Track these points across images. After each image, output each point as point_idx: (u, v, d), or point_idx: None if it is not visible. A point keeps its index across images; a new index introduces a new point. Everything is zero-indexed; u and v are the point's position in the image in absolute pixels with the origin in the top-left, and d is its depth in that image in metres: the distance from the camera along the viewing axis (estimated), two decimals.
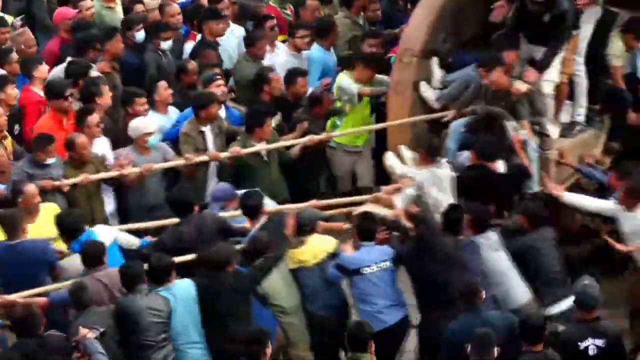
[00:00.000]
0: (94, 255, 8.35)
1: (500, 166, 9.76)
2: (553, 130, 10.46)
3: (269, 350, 7.55)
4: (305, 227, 8.86)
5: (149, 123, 10.19)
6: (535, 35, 10.42)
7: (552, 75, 10.44)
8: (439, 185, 9.60)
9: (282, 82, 11.23)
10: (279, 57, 11.94)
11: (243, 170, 10.29)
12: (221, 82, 10.93)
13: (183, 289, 8.34)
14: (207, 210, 9.47)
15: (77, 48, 11.51)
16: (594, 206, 9.55)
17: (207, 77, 10.97)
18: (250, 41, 11.83)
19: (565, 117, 10.81)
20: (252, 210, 9.14)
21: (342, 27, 12.17)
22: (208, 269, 8.45)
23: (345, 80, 11.17)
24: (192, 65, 11.27)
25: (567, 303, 8.64)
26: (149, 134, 10.05)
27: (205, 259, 8.50)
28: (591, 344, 7.90)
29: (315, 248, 8.79)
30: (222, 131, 10.57)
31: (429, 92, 10.83)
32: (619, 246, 9.18)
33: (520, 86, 10.17)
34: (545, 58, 10.35)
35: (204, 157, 10.15)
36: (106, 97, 10.41)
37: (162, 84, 10.76)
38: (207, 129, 10.37)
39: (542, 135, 10.33)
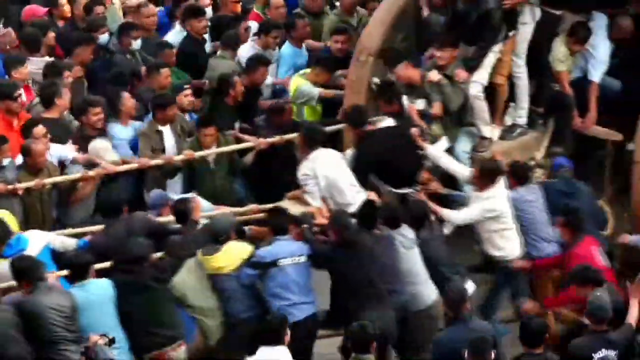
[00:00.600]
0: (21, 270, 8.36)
1: None
2: (488, 132, 10.45)
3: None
4: (220, 236, 8.93)
5: (107, 146, 10.16)
6: (467, 36, 10.43)
7: (481, 77, 10.37)
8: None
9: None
10: (243, 51, 12.10)
11: (189, 175, 10.43)
12: (189, 92, 11.05)
13: (99, 286, 8.42)
14: (138, 211, 9.54)
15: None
16: (449, 167, 9.79)
17: (177, 86, 11.15)
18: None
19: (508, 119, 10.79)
20: (180, 215, 9.31)
21: (332, 26, 12.30)
22: (125, 265, 8.55)
23: (304, 82, 11.33)
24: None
25: None
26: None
27: (121, 255, 8.62)
28: (605, 355, 7.94)
29: (231, 255, 8.84)
30: (185, 132, 10.65)
31: None
32: (434, 207, 9.48)
33: (432, 75, 10.25)
34: (473, 58, 10.37)
35: (158, 160, 10.20)
36: (65, 99, 10.48)
37: (126, 94, 10.74)
38: (165, 129, 10.47)
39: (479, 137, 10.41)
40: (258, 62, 11.44)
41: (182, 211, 9.29)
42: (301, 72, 11.67)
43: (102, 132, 10.39)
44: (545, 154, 10.67)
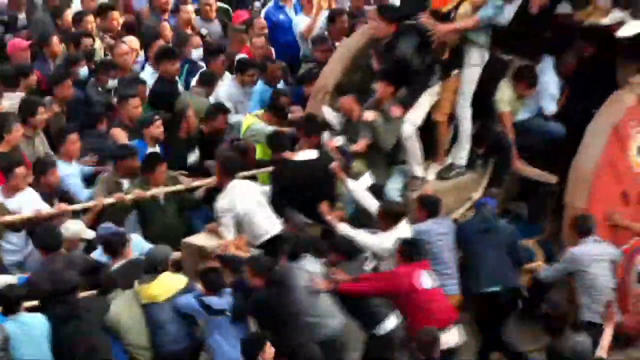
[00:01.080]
0: None
1: None
2: (420, 171, 10.47)
3: None
4: (157, 266, 9.00)
5: (82, 228, 9.91)
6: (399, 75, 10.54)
7: (414, 117, 10.39)
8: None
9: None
10: (223, 87, 12.41)
11: (140, 212, 10.36)
12: (159, 123, 11.04)
13: (32, 320, 8.54)
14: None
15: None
16: (364, 202, 9.80)
17: (146, 119, 11.14)
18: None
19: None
20: (111, 249, 9.33)
21: None
22: (57, 297, 8.63)
23: (256, 121, 11.38)
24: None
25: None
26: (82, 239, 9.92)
27: (55, 287, 8.67)
28: None
29: (166, 285, 8.90)
30: None
31: (331, 117, 11.00)
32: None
33: (367, 114, 10.27)
34: (406, 98, 10.42)
35: (110, 200, 10.10)
36: (15, 134, 10.48)
37: (72, 137, 10.75)
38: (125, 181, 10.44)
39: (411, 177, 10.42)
40: (218, 110, 11.56)
41: (113, 245, 9.33)
42: (255, 112, 11.77)
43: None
44: (482, 194, 10.63)
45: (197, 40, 13.48)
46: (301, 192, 9.95)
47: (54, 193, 10.24)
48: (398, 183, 10.42)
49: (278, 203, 9.94)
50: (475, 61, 10.55)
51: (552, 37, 10.83)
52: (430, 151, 10.71)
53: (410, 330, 9.09)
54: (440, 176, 10.64)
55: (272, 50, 13.54)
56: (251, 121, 11.49)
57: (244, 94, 12.40)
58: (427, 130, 10.61)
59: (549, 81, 10.78)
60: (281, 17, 14.06)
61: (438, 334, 8.53)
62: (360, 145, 10.32)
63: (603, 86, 10.56)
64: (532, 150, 10.82)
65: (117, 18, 13.71)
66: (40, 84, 12.10)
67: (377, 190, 10.21)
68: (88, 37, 12.98)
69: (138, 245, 9.80)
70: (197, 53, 13.27)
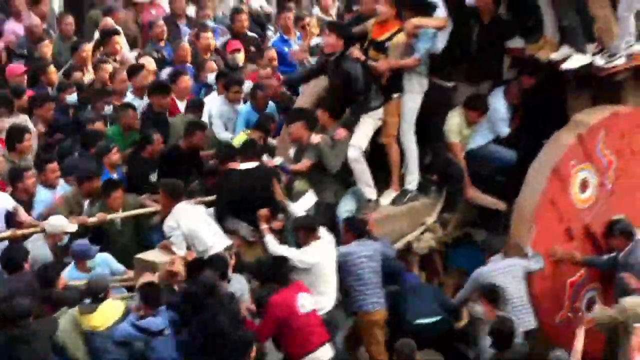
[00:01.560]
0: None
1: None
2: (371, 194, 10.89)
3: None
4: (98, 294, 9.33)
5: (65, 222, 10.45)
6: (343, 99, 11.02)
7: (358, 141, 10.83)
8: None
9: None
10: (214, 103, 12.96)
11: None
12: (116, 150, 11.60)
13: None
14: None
15: None
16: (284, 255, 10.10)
17: (104, 147, 11.62)
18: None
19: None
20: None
21: None
22: (9, 322, 8.95)
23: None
24: None
25: None
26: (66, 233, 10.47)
27: (8, 313, 8.97)
28: None
29: (106, 314, 9.25)
30: None
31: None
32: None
33: (313, 138, 10.75)
34: (350, 120, 10.91)
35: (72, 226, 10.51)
36: (26, 144, 11.31)
37: (52, 166, 11.23)
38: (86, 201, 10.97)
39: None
40: (195, 127, 12.06)
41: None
42: (246, 130, 12.35)
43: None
44: (436, 219, 11.10)
45: (212, 65, 14.08)
46: (243, 201, 10.41)
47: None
48: (351, 205, 10.82)
49: (222, 213, 10.41)
50: (415, 88, 10.96)
51: (499, 65, 11.28)
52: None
53: (288, 355, 9.60)
54: (395, 202, 11.04)
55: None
56: (244, 138, 11.90)
57: (234, 112, 12.93)
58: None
59: (499, 106, 11.17)
60: (285, 49, 14.82)
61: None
62: (300, 165, 10.83)
63: (554, 117, 10.96)
64: (485, 177, 11.23)
65: (120, 42, 14.31)
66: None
67: (328, 211, 10.72)
68: (78, 71, 13.66)
69: (105, 262, 10.32)
70: (212, 77, 13.79)
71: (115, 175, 11.44)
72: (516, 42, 11.15)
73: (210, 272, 9.44)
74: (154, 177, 11.57)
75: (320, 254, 9.93)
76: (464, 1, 11.18)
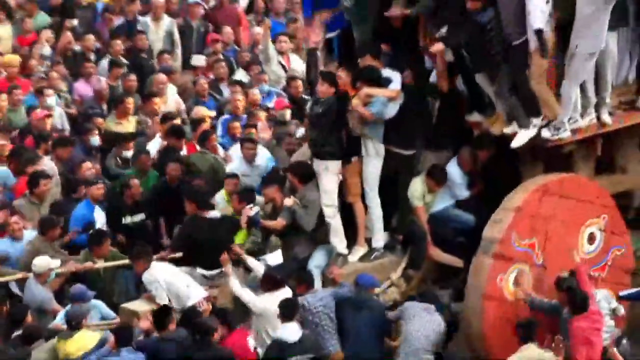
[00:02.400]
0: None
1: None
2: (342, 249, 11.92)
3: None
4: (72, 322, 10.56)
5: (48, 260, 11.72)
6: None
7: (329, 200, 11.81)
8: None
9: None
10: (233, 164, 14.19)
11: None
12: (101, 185, 13.17)
13: None
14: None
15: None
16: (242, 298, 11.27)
17: (90, 181, 13.23)
18: None
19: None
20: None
21: None
22: None
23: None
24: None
25: None
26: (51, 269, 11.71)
27: None
28: None
29: (81, 342, 10.40)
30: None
31: None
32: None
33: (287, 201, 11.86)
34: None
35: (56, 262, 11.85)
36: (42, 188, 12.81)
37: (14, 219, 12.51)
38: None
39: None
40: (168, 156, 13.70)
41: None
42: None
43: None
44: (400, 275, 12.10)
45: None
46: (202, 246, 11.69)
47: None
48: (321, 260, 11.84)
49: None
50: (371, 153, 11.92)
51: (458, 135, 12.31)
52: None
53: None
54: (363, 259, 12.04)
55: None
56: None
57: (251, 169, 14.08)
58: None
59: (454, 173, 12.19)
60: None
61: None
62: (274, 223, 11.94)
63: (511, 185, 11.85)
64: (446, 238, 12.23)
65: (159, 103, 15.64)
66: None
67: (301, 266, 11.80)
68: (98, 117, 15.28)
69: (97, 308, 11.48)
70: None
71: (97, 207, 12.91)
72: (475, 116, 12.16)
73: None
74: (129, 219, 13.03)
75: (273, 303, 10.96)
76: (427, 75, 12.34)
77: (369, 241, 12.23)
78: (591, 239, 11.92)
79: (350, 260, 12.07)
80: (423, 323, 11.12)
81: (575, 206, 11.79)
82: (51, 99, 15.31)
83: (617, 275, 12.07)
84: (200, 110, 15.61)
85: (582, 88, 11.80)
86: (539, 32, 11.29)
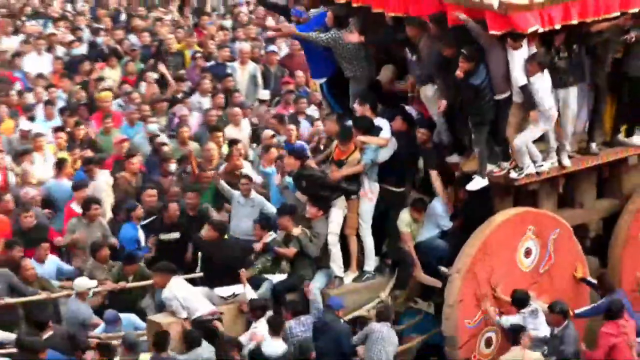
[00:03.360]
0: None
1: None
2: (340, 272, 13.68)
3: None
4: (131, 347, 12.29)
5: (87, 282, 13.71)
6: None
7: (334, 228, 13.61)
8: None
9: None
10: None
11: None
12: (140, 208, 15.34)
13: None
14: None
15: None
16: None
17: (131, 205, 15.60)
18: None
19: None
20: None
21: None
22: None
23: None
24: None
25: None
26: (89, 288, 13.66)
27: None
28: None
29: None
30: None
31: None
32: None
33: (295, 230, 13.59)
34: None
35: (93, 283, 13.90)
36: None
37: (27, 261, 14.10)
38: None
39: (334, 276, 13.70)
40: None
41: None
42: None
43: None
44: (388, 294, 13.88)
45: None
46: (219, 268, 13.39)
47: None
48: (321, 282, 13.58)
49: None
50: (367, 190, 13.64)
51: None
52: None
53: None
54: (356, 280, 13.82)
55: None
56: None
57: (252, 204, 15.41)
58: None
59: (437, 206, 13.83)
60: None
61: None
62: (286, 251, 13.62)
63: (486, 218, 13.61)
64: (429, 263, 13.89)
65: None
66: None
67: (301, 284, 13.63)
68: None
69: (129, 321, 13.32)
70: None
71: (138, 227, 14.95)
72: (454, 158, 13.85)
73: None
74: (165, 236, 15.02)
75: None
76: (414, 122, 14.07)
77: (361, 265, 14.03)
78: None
79: (345, 282, 13.83)
80: (385, 346, 12.86)
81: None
82: (153, 126, 18.00)
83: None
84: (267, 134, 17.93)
85: (545, 136, 13.45)
86: (523, 87, 12.95)
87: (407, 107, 14.25)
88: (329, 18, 14.02)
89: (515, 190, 13.73)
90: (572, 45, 13.35)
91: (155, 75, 20.25)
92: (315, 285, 13.61)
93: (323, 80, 14.81)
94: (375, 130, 13.64)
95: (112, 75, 20.63)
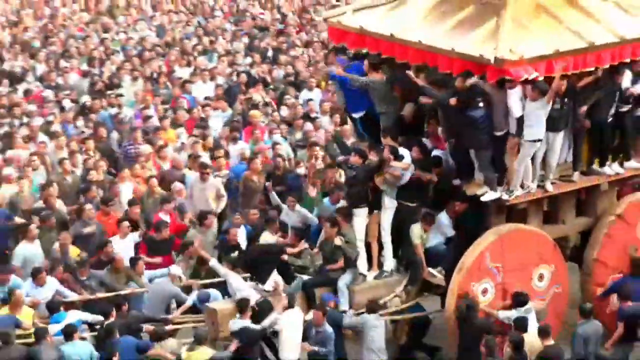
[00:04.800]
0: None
1: None
2: (365, 270, 16.75)
3: None
4: (198, 339, 14.96)
5: (179, 270, 16.96)
6: None
7: (359, 235, 16.78)
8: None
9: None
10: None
11: None
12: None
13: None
14: None
15: None
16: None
17: (186, 242, 18.27)
18: None
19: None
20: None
21: None
22: None
23: None
24: None
25: None
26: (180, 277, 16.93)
27: None
28: None
29: (204, 355, 14.68)
30: None
31: None
32: None
33: (336, 240, 16.60)
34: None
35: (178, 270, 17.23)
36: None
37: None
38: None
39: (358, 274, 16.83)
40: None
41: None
42: None
43: None
44: (402, 289, 16.96)
45: None
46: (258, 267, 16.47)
47: None
48: (348, 279, 16.67)
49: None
50: (388, 205, 16.60)
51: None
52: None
53: None
54: (377, 277, 16.94)
55: None
56: None
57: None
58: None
59: (443, 218, 16.82)
60: None
61: None
62: (335, 265, 16.76)
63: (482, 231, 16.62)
64: (435, 265, 17.06)
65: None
66: None
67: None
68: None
69: (216, 297, 16.41)
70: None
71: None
72: (456, 181, 16.70)
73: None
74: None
75: (285, 318, 15.49)
76: (429, 152, 17.18)
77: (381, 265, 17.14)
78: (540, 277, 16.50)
79: (368, 279, 16.93)
80: (376, 332, 15.81)
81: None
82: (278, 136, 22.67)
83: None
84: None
85: (535, 166, 16.14)
86: (519, 118, 15.59)
87: (423, 139, 17.35)
88: (366, 65, 17.19)
89: (508, 209, 16.65)
90: (565, 98, 15.97)
91: (292, 100, 24.85)
92: (343, 281, 16.74)
93: (359, 114, 17.65)
94: (400, 157, 16.78)
95: (258, 98, 24.98)
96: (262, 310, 15.46)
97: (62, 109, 24.10)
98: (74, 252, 17.64)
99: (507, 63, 15.32)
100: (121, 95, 24.85)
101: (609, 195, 17.54)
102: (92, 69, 27.20)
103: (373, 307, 16.14)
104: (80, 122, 23.17)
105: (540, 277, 16.66)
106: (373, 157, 16.73)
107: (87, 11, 33.72)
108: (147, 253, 17.91)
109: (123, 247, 17.73)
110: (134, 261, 17.34)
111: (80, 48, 28.99)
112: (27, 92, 25.14)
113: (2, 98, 24.49)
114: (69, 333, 14.41)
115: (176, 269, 16.95)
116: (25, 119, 22.98)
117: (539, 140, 15.87)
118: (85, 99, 24.91)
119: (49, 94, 25.00)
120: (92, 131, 22.63)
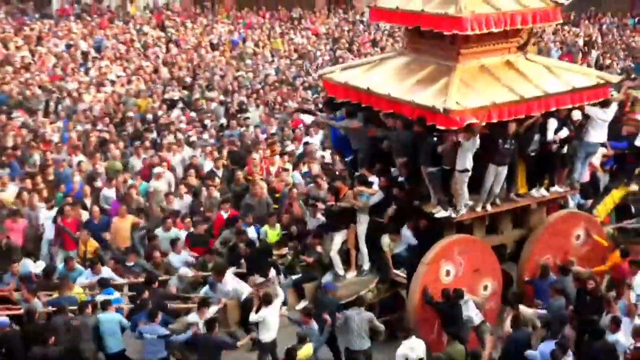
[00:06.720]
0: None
1: None
2: (342, 272, 21.35)
3: None
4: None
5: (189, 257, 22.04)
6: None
7: (335, 247, 21.44)
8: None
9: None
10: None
11: None
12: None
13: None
14: None
15: None
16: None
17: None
18: None
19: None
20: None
21: None
22: None
23: None
24: None
25: None
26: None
27: None
28: None
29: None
30: None
31: None
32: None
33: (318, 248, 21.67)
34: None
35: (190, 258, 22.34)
36: None
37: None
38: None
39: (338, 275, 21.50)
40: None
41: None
42: None
43: None
44: (374, 286, 21.42)
45: None
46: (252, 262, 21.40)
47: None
48: (329, 278, 21.18)
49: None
50: (362, 220, 20.46)
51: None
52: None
53: None
54: (357, 276, 21.38)
55: None
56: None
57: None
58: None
59: (406, 231, 20.58)
60: None
61: None
62: (308, 258, 21.65)
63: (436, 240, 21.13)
64: (400, 265, 21.50)
65: None
66: None
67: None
68: None
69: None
70: None
71: None
72: (416, 202, 20.36)
73: None
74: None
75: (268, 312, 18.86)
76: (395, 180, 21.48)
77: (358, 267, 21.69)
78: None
79: (347, 277, 21.33)
80: (358, 321, 18.77)
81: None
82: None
83: None
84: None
85: (479, 191, 19.55)
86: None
87: (392, 169, 20.94)
88: (345, 112, 21.63)
89: (457, 223, 20.40)
90: (513, 139, 19.37)
91: None
92: (326, 279, 21.43)
93: (349, 158, 21.75)
94: (369, 184, 21.33)
95: None
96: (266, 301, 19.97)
97: (204, 126, 32.35)
98: (90, 245, 22.71)
99: (453, 112, 18.68)
100: (248, 118, 33.41)
101: (539, 212, 21.34)
102: (227, 98, 36.59)
103: (356, 302, 19.46)
104: (205, 135, 31.25)
105: (485, 288, 20.40)
106: (338, 185, 21.47)
107: (223, 55, 45.27)
108: (190, 246, 22.87)
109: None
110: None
111: (219, 83, 39.13)
112: (179, 114, 33.91)
113: (161, 117, 32.99)
114: (104, 305, 18.67)
115: (185, 270, 21.65)
116: (179, 134, 31.02)
117: (467, 170, 19.02)
118: (222, 120, 33.59)
119: (193, 115, 33.82)
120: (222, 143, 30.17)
